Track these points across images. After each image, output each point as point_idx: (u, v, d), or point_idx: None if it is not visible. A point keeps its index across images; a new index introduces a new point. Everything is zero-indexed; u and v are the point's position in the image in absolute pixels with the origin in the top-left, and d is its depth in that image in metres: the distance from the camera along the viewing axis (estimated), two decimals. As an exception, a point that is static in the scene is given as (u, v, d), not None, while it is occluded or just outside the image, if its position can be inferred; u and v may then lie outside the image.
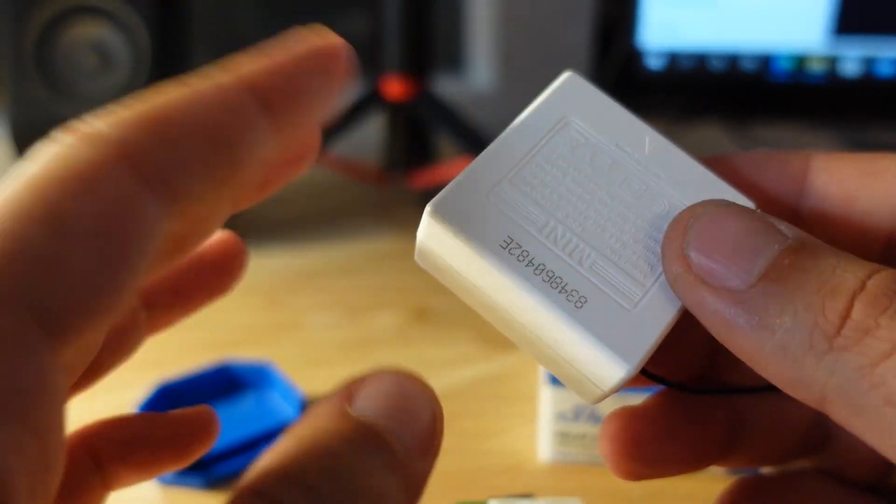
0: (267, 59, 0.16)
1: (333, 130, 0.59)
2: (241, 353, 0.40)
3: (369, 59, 0.62)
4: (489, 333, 0.43)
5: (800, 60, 0.52)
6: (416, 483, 0.14)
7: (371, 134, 0.71)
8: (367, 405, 0.14)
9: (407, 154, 0.64)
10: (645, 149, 0.18)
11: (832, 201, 0.19)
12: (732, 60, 0.53)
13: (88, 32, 0.49)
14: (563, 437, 0.31)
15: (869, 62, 0.51)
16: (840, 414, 0.15)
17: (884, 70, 0.51)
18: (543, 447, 0.32)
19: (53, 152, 0.13)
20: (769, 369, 0.15)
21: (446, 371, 0.39)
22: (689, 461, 0.20)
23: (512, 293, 0.16)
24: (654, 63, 0.55)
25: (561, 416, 0.31)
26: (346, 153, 0.69)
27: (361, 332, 0.43)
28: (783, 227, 0.16)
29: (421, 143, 0.65)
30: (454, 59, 0.94)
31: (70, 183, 0.13)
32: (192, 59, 0.58)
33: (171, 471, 0.19)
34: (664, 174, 0.18)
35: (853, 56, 0.51)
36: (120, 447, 0.19)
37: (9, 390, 0.11)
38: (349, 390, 0.14)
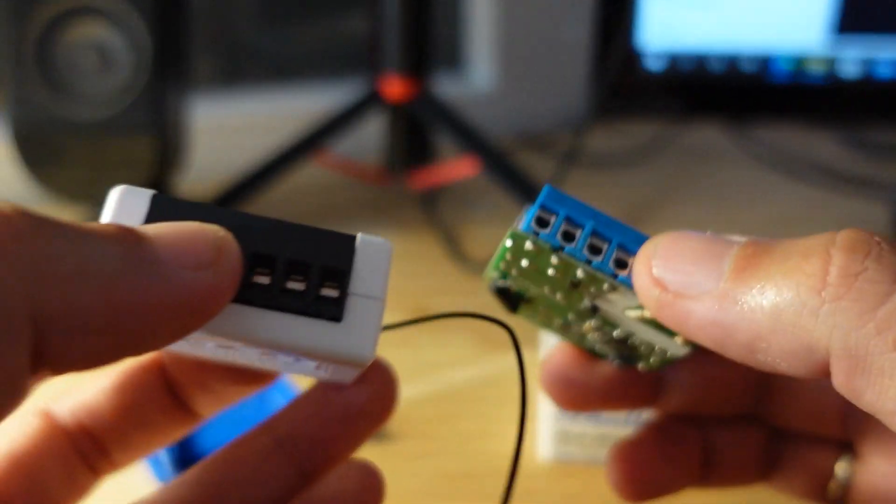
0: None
1: (333, 130, 0.59)
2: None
3: (369, 59, 0.62)
4: (489, 333, 0.43)
5: (799, 62, 0.52)
6: (158, 276, 0.14)
7: (371, 134, 0.71)
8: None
9: (407, 154, 0.64)
10: None
11: None
12: (732, 61, 0.54)
13: (89, 33, 0.49)
14: (562, 437, 0.31)
15: (868, 63, 0.51)
16: (844, 378, 0.14)
17: (883, 71, 0.51)
18: (543, 447, 0.32)
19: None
20: (770, 350, 0.15)
21: (446, 371, 0.39)
22: (679, 479, 0.22)
23: None
24: (653, 64, 0.55)
25: (560, 416, 0.31)
26: (346, 153, 0.69)
27: (361, 332, 0.43)
28: (735, 237, 0.17)
29: (421, 143, 0.65)
30: (454, 59, 0.94)
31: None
32: (192, 59, 0.58)
33: (249, 393, 0.21)
34: None
35: (852, 57, 0.51)
36: (195, 371, 0.20)
37: None
38: None
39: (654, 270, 0.17)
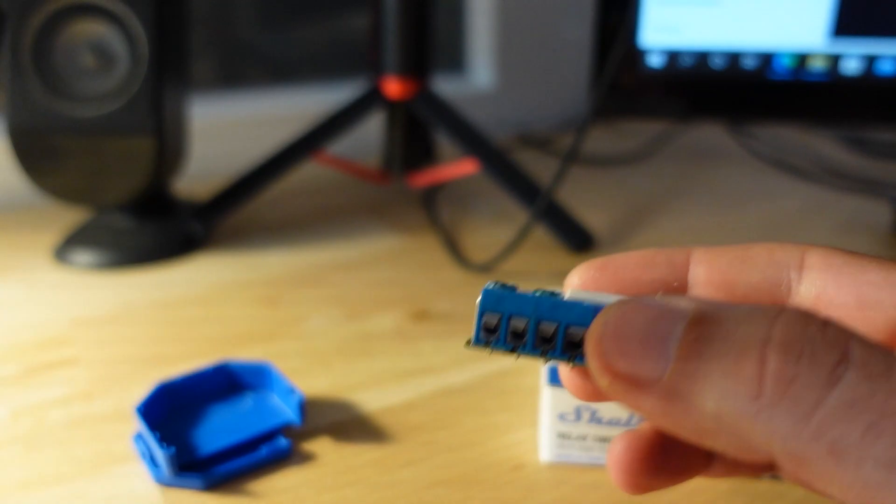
0: None
1: (333, 130, 0.59)
2: (241, 352, 0.40)
3: (369, 59, 0.62)
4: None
5: (801, 58, 0.52)
6: None
7: (371, 133, 0.71)
8: None
9: (407, 153, 0.64)
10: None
11: (714, 290, 0.21)
12: (733, 58, 0.53)
13: (86, 31, 0.49)
14: (563, 438, 0.31)
15: (870, 60, 0.51)
16: (791, 472, 0.15)
17: (885, 68, 0.51)
18: (544, 448, 0.32)
19: None
20: (717, 445, 0.16)
21: (446, 371, 0.38)
22: (681, 471, 0.22)
23: None
24: (654, 61, 0.55)
25: (562, 417, 0.31)
26: (346, 153, 0.69)
27: (361, 333, 0.42)
28: (682, 302, 0.17)
29: (421, 142, 0.65)
30: (454, 59, 0.94)
31: None
32: (192, 59, 0.58)
33: None
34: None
35: (854, 54, 0.51)
36: None
37: None
38: None
39: (603, 358, 0.17)
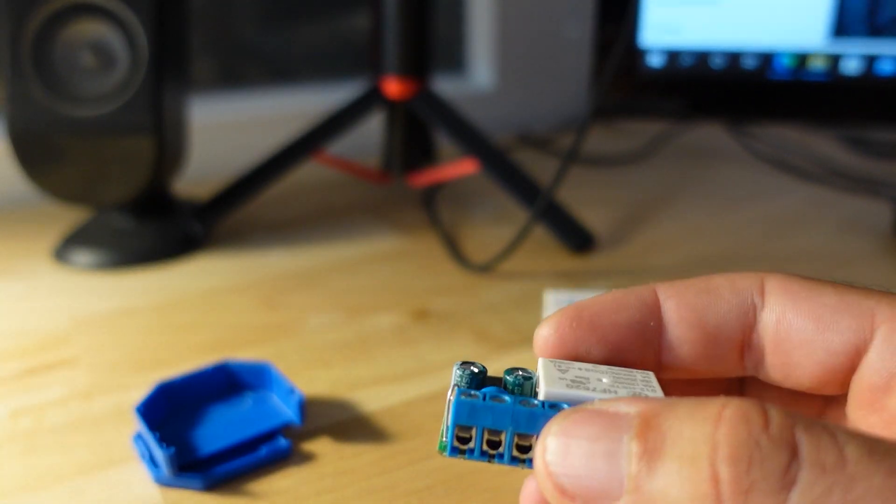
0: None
1: (333, 130, 0.59)
2: (241, 353, 0.40)
3: (369, 59, 0.62)
4: (489, 333, 0.43)
5: (801, 58, 0.52)
6: None
7: (371, 133, 0.71)
8: None
9: (407, 154, 0.64)
10: None
11: (686, 327, 0.22)
12: (733, 58, 0.53)
13: (86, 31, 0.49)
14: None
15: (870, 60, 0.51)
16: None
17: (885, 68, 0.51)
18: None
19: None
20: None
21: (446, 371, 0.38)
22: (633, 344, 0.22)
23: None
24: (654, 61, 0.55)
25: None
26: (346, 153, 0.69)
27: (361, 333, 0.42)
28: (622, 406, 0.17)
29: (421, 142, 0.65)
30: (454, 59, 0.94)
31: None
32: (192, 59, 0.58)
33: None
34: None
35: (854, 54, 0.51)
36: None
37: None
38: None
39: (556, 480, 0.17)
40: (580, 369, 0.20)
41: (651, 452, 0.16)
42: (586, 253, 0.53)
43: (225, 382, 0.35)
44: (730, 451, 0.15)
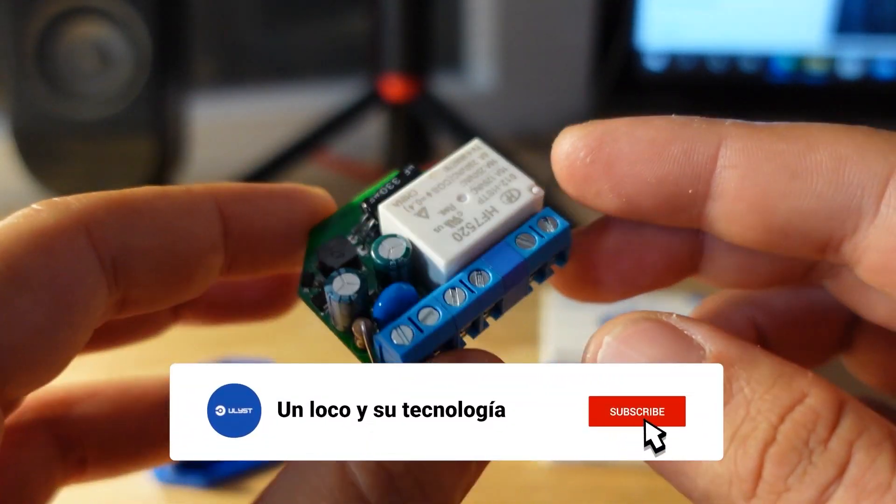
0: (243, 185, 0.18)
1: (333, 130, 0.59)
2: (241, 352, 0.40)
3: (369, 59, 0.62)
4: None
5: (799, 61, 0.52)
6: None
7: (371, 134, 0.71)
8: None
9: (407, 154, 0.64)
10: None
11: (744, 208, 0.16)
12: (732, 61, 0.54)
13: (89, 32, 0.49)
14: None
15: (868, 63, 0.51)
16: None
17: (883, 71, 0.51)
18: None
19: (20, 214, 0.15)
20: None
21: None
22: (659, 268, 0.18)
23: None
24: (653, 63, 0.55)
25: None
26: (346, 153, 0.69)
27: (361, 332, 0.43)
28: (699, 334, 0.15)
29: (421, 143, 0.65)
30: (454, 59, 0.94)
31: (29, 239, 0.14)
32: (192, 59, 0.58)
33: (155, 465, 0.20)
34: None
35: (852, 57, 0.51)
36: (94, 425, 0.20)
37: None
38: None
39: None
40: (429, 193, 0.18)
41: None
42: (585, 253, 0.53)
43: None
44: (782, 450, 0.14)
